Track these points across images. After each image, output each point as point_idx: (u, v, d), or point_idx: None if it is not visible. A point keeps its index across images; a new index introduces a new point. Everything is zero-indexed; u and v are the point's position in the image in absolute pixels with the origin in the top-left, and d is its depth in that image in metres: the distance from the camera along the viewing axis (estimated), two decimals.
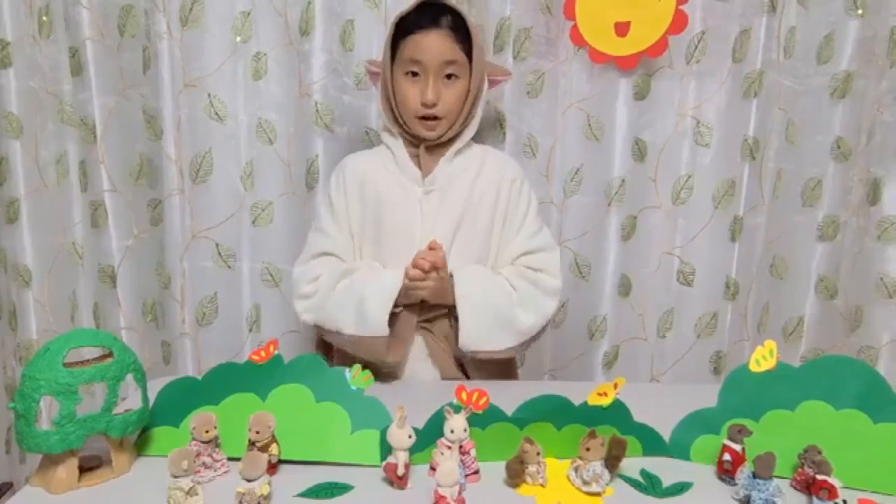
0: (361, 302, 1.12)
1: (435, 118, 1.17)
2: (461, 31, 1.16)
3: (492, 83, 1.28)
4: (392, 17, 1.20)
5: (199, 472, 0.80)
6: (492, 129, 1.49)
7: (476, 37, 1.17)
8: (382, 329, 1.11)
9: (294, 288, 1.21)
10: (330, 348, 1.28)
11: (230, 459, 0.83)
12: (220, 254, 1.50)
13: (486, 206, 1.21)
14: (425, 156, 1.21)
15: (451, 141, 1.22)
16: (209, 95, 1.43)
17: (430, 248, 1.13)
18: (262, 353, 0.87)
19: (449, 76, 1.16)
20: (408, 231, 1.18)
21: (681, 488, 0.82)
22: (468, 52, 1.17)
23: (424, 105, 1.15)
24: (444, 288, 1.15)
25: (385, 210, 1.19)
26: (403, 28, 1.16)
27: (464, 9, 1.20)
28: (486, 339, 1.15)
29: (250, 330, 1.56)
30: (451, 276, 1.16)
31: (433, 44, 1.14)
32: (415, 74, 1.16)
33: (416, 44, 1.14)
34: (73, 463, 0.79)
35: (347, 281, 1.16)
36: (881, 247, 1.48)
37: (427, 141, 1.20)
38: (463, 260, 1.18)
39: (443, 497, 0.73)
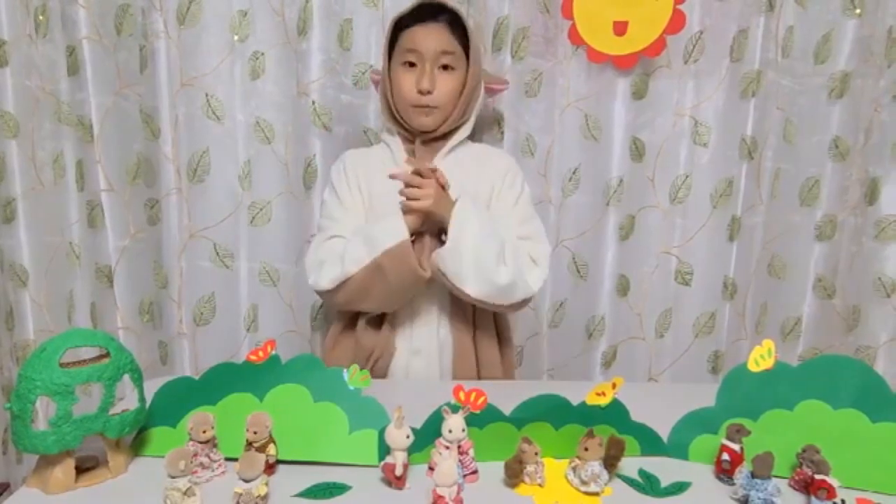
0: (369, 233, 1.12)
1: (431, 107, 1.18)
2: (458, 28, 1.19)
3: (490, 91, 1.30)
4: (390, 16, 1.21)
5: (196, 472, 0.80)
6: (490, 129, 1.49)
7: (472, 33, 1.20)
8: (401, 233, 1.09)
9: (308, 266, 1.18)
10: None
11: (228, 460, 0.83)
12: (217, 253, 1.50)
13: (482, 201, 1.21)
14: (421, 150, 1.22)
15: (446, 137, 1.23)
16: (206, 95, 1.42)
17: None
18: (260, 353, 0.87)
19: (445, 67, 1.18)
20: None
21: (679, 488, 0.82)
22: (465, 48, 1.19)
23: (420, 92, 1.17)
24: (445, 203, 1.11)
25: (380, 206, 1.20)
26: (402, 24, 1.19)
27: (461, 8, 1.21)
28: (460, 269, 1.10)
29: (248, 330, 1.55)
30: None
31: (430, 34, 1.17)
32: (412, 65, 1.18)
33: (414, 35, 1.17)
34: (70, 463, 0.79)
35: (353, 237, 1.15)
36: (879, 246, 1.49)
37: (423, 134, 1.22)
38: (475, 202, 1.18)
39: (441, 497, 0.73)
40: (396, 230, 1.10)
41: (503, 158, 1.29)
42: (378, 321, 1.21)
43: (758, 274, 1.61)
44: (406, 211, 1.12)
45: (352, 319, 1.24)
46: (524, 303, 1.18)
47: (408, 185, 1.11)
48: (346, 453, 0.85)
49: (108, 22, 1.41)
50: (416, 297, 1.19)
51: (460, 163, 1.23)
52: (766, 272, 1.60)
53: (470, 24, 1.20)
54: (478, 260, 1.10)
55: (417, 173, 1.11)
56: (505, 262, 1.12)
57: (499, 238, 1.13)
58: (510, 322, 1.31)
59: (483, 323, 1.23)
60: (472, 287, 1.11)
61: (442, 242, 1.13)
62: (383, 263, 1.10)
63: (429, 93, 1.16)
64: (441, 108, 1.19)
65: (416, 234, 1.14)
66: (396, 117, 1.22)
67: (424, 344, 1.20)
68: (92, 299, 1.54)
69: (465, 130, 1.24)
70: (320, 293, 1.18)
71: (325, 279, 1.14)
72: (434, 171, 1.12)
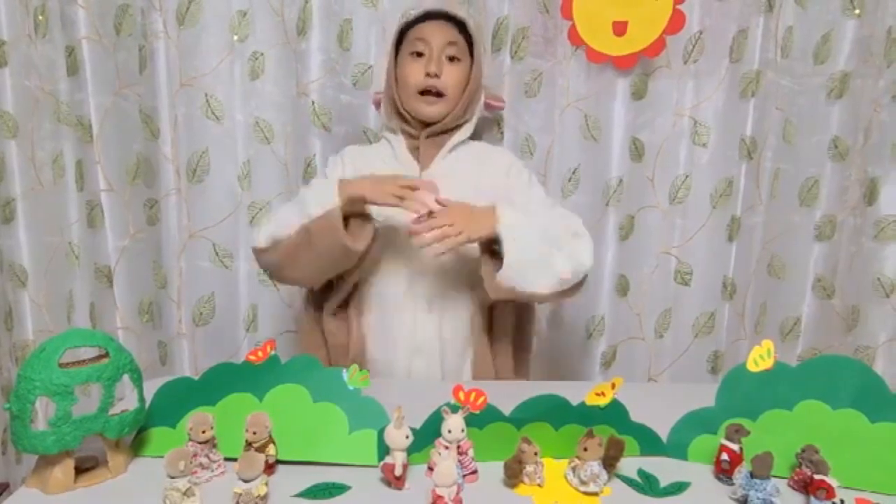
0: (303, 196, 1.12)
1: (437, 94, 1.20)
2: (463, 29, 1.23)
3: (488, 107, 1.32)
4: (389, 17, 1.23)
5: (195, 472, 0.80)
6: (490, 129, 1.49)
7: (476, 36, 1.24)
8: (332, 201, 1.06)
9: (254, 232, 1.17)
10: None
11: (227, 460, 0.83)
12: (217, 254, 1.50)
13: (483, 197, 1.21)
14: (425, 144, 1.23)
15: (449, 133, 1.24)
16: (206, 95, 1.42)
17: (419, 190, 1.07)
18: (259, 354, 0.87)
19: (451, 58, 1.21)
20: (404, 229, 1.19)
21: (678, 488, 0.82)
22: (469, 48, 1.23)
23: (428, 75, 1.19)
24: (475, 219, 1.07)
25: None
26: (408, 24, 1.24)
27: (464, 13, 1.24)
28: (526, 276, 1.09)
29: (247, 330, 1.55)
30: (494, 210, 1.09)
31: (437, 28, 1.21)
32: (419, 55, 1.21)
33: (422, 29, 1.22)
34: (69, 464, 0.79)
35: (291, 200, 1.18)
36: (878, 246, 1.49)
37: (427, 127, 1.22)
38: (463, 253, 1.18)
39: (440, 497, 0.73)
40: (327, 197, 1.07)
41: (503, 155, 1.31)
42: (344, 317, 1.21)
43: (757, 274, 1.61)
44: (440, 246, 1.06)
45: (317, 320, 1.24)
46: (584, 282, 1.17)
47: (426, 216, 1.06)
48: (345, 453, 0.85)
49: (108, 22, 1.41)
50: (417, 294, 1.18)
51: (461, 161, 1.24)
52: (765, 272, 1.60)
53: (473, 28, 1.24)
54: (541, 261, 1.09)
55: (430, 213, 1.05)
56: (560, 248, 1.11)
57: (546, 233, 1.11)
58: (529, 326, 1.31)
59: (498, 326, 1.23)
60: (544, 287, 1.10)
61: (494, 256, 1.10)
62: (311, 229, 1.08)
63: (436, 76, 1.19)
64: (447, 98, 1.20)
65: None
66: (401, 111, 1.23)
67: (426, 344, 1.20)
68: (91, 299, 1.54)
69: (468, 130, 1.25)
70: (255, 252, 1.17)
71: (261, 237, 1.14)
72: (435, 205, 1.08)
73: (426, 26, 1.22)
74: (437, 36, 1.20)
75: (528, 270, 1.09)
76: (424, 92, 1.20)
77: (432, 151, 1.23)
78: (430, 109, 1.21)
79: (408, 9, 1.34)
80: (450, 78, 1.20)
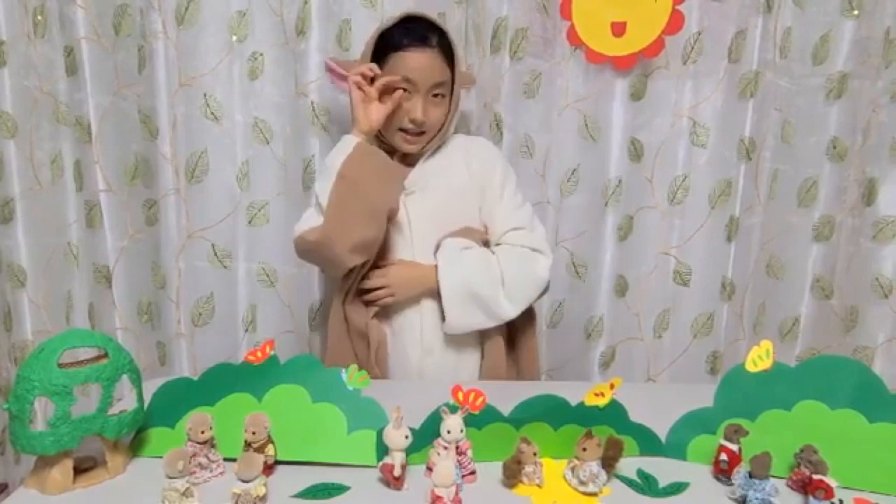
0: (324, 164, 1.17)
1: (419, 133, 1.20)
2: (446, 49, 1.19)
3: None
4: (388, 17, 1.21)
5: (194, 472, 0.80)
6: (488, 130, 1.49)
7: (459, 56, 1.22)
8: (352, 141, 1.14)
9: (299, 233, 1.16)
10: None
11: (226, 460, 0.83)
12: (216, 254, 1.50)
13: (464, 191, 1.24)
14: (399, 158, 1.25)
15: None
16: (205, 95, 1.42)
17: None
18: (258, 354, 0.87)
19: (436, 95, 1.19)
20: (398, 229, 1.22)
21: (677, 488, 0.82)
22: (451, 68, 1.21)
23: (413, 122, 1.18)
24: (411, 282, 1.19)
25: None
26: (389, 41, 1.17)
27: (462, 14, 1.22)
28: (471, 325, 1.20)
29: (246, 330, 1.55)
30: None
31: (426, 64, 1.16)
32: (403, 89, 1.17)
33: (407, 62, 1.16)
34: (68, 464, 0.79)
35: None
36: (877, 247, 1.49)
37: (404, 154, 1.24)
38: (453, 251, 1.20)
39: (439, 497, 0.73)
40: (346, 143, 1.14)
41: (475, 142, 1.32)
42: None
43: (756, 274, 1.61)
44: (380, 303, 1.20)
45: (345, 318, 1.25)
46: (543, 293, 1.23)
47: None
48: (344, 454, 0.85)
49: (107, 22, 1.41)
50: (426, 294, 1.20)
51: (441, 163, 1.25)
52: (764, 273, 1.60)
53: (455, 43, 1.21)
54: (486, 310, 1.18)
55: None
56: (505, 292, 1.17)
57: (488, 276, 1.17)
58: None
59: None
60: (491, 323, 1.19)
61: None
62: (347, 174, 1.11)
63: (422, 123, 1.18)
64: (427, 134, 1.21)
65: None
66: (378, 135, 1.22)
67: (437, 344, 1.21)
68: (90, 300, 1.54)
69: (442, 138, 1.25)
70: (306, 244, 1.15)
71: (305, 221, 1.15)
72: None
73: (412, 60, 1.15)
74: (424, 75, 1.15)
75: (471, 322, 1.19)
76: (406, 130, 1.19)
77: (410, 163, 1.25)
78: (409, 147, 1.22)
79: (407, 9, 1.33)
80: (432, 118, 1.19)
